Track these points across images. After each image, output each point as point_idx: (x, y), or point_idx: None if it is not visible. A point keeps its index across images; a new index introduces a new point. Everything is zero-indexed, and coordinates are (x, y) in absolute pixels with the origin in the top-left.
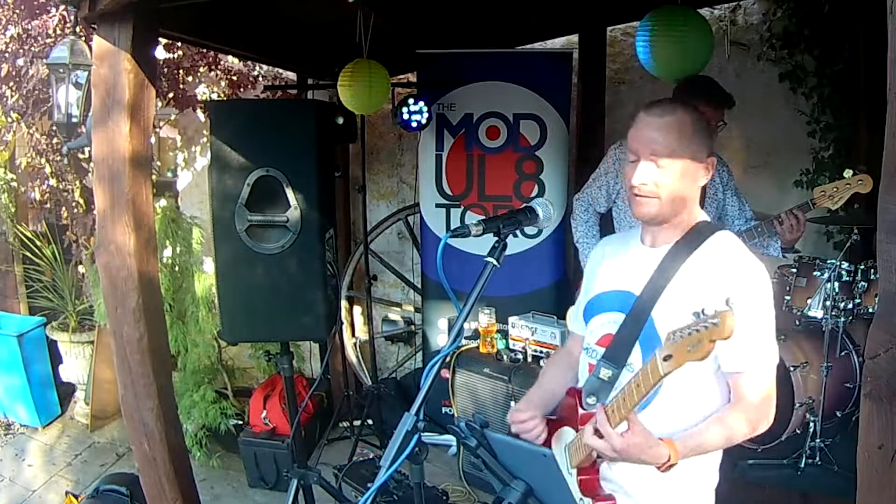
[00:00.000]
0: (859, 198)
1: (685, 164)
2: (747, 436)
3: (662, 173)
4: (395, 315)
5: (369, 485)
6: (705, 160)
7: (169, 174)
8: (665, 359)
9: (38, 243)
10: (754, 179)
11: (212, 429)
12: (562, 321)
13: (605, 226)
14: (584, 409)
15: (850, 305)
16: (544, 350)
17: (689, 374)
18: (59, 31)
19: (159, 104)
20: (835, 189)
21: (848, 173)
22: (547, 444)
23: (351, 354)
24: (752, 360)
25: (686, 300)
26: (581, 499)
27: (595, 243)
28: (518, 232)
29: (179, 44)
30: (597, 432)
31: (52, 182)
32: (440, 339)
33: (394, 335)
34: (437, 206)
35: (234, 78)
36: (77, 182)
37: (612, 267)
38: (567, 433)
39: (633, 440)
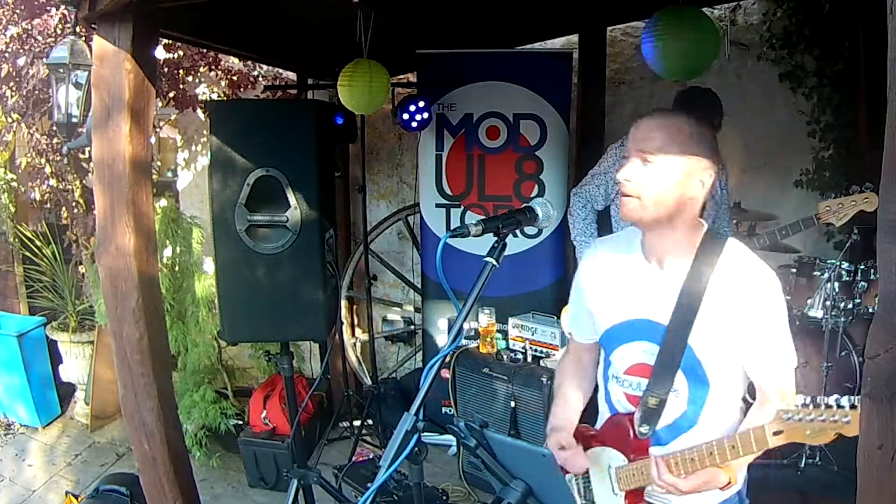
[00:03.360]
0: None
1: (674, 166)
2: None
3: (648, 171)
4: (395, 315)
5: (369, 485)
6: (702, 170)
7: (169, 174)
8: (775, 433)
9: (38, 243)
10: (754, 179)
11: (212, 429)
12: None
13: (603, 223)
14: (638, 437)
15: (850, 305)
16: (544, 350)
17: (726, 393)
18: (59, 31)
19: (159, 104)
20: (839, 205)
21: (854, 190)
22: None
23: (351, 354)
24: (780, 366)
25: (719, 323)
26: None
27: (592, 241)
28: (518, 232)
29: (179, 44)
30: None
31: (52, 182)
32: (440, 339)
33: (394, 335)
34: (437, 206)
35: (234, 78)
36: (77, 182)
37: (620, 291)
38: (613, 456)
39: (698, 480)
